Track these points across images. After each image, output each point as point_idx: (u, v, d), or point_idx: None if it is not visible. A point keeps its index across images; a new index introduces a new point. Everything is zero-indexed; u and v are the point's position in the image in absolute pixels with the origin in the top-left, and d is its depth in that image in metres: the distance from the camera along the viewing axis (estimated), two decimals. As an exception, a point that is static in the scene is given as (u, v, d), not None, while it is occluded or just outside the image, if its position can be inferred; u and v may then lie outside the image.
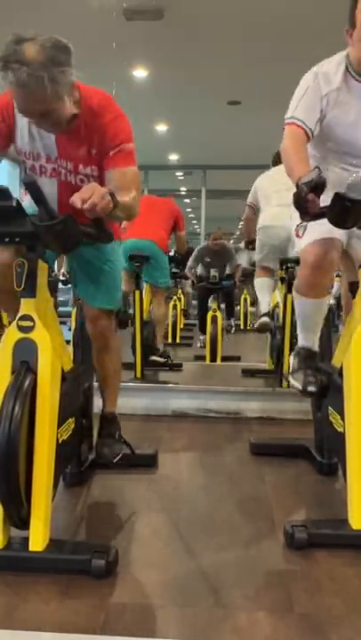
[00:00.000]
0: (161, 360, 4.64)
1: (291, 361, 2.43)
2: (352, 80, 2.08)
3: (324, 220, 1.82)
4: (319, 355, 2.44)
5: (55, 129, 1.85)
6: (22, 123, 1.92)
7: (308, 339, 2.36)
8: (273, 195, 4.10)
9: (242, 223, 4.90)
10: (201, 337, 6.21)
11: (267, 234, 4.24)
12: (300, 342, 2.40)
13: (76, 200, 1.58)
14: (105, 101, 1.91)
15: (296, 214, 2.11)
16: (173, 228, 4.79)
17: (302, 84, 2.13)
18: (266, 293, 4.47)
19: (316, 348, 2.37)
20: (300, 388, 2.27)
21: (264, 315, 4.39)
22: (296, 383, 2.30)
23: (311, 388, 2.24)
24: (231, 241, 7.47)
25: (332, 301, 5.99)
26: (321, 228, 2.00)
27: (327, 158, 2.19)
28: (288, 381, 2.38)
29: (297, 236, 2.19)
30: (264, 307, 4.45)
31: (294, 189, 1.78)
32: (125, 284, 4.42)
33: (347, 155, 2.15)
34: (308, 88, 2.08)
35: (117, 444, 2.31)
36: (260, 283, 4.51)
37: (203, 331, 6.00)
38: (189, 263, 6.86)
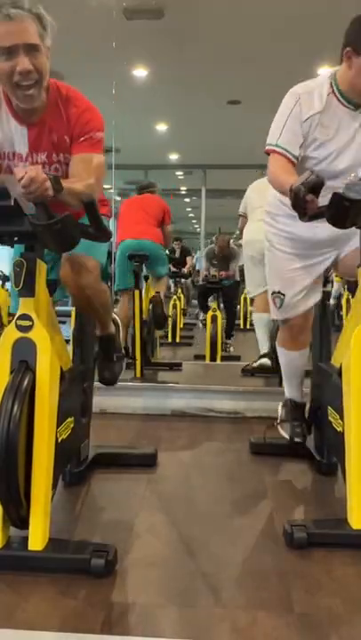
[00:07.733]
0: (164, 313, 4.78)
1: (279, 411, 2.59)
2: (336, 102, 2.08)
3: (296, 290, 2.23)
4: (318, 354, 2.45)
5: (36, 93, 1.83)
6: None
7: (294, 391, 2.55)
8: (257, 209, 4.15)
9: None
10: (202, 315, 6.57)
11: (249, 247, 4.37)
12: (287, 394, 2.57)
13: (18, 171, 1.58)
14: (74, 92, 1.97)
15: (269, 229, 2.27)
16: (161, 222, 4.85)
17: (283, 108, 2.12)
18: (264, 332, 4.33)
19: (301, 399, 2.54)
20: (288, 438, 2.46)
21: (264, 356, 4.27)
22: (284, 433, 2.50)
23: (298, 439, 2.43)
24: (231, 240, 7.47)
25: (332, 301, 5.97)
26: (294, 307, 2.32)
27: None
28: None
29: (273, 303, 2.40)
30: (263, 346, 4.32)
31: (290, 196, 1.77)
32: (124, 306, 4.45)
33: (325, 176, 2.11)
34: (290, 114, 2.08)
35: (117, 365, 2.42)
36: (258, 319, 4.40)
37: (204, 310, 6.49)
38: (204, 264, 6.90)
